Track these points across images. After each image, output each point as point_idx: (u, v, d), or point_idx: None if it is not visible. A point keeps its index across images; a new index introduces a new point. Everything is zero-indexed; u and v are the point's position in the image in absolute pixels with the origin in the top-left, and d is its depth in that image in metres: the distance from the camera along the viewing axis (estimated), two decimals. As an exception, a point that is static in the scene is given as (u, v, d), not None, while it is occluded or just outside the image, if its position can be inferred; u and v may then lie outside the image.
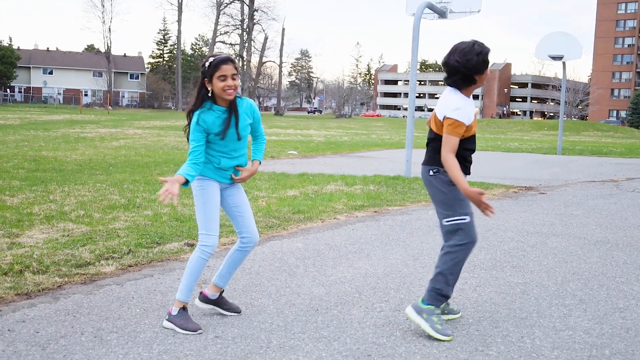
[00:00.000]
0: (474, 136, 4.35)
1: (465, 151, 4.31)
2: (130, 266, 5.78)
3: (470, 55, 4.19)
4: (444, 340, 4.10)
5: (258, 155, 4.53)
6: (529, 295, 5.20)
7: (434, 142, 4.36)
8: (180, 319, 4.20)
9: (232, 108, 4.27)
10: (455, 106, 4.18)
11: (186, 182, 4.08)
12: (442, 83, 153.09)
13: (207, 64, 4.21)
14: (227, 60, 4.20)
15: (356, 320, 4.48)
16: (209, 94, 4.24)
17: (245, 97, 4.42)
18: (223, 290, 4.57)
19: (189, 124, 4.30)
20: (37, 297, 4.81)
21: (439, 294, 4.25)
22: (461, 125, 4.14)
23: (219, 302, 4.56)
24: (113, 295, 4.91)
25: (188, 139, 4.28)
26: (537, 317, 4.64)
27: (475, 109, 4.38)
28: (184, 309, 4.25)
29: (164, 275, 5.51)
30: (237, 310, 4.56)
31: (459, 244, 4.25)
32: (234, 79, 4.17)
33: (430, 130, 4.41)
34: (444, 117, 4.21)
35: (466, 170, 4.35)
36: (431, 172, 4.34)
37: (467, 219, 4.27)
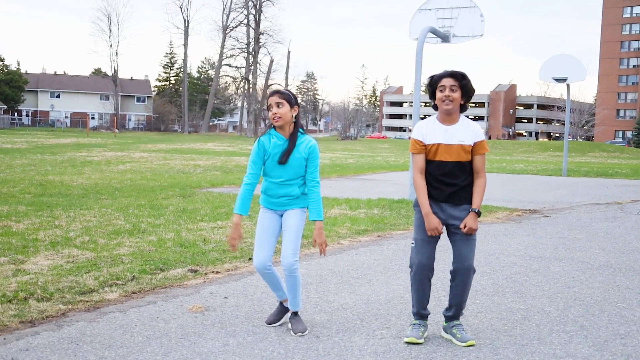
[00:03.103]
0: (439, 162, 4.62)
1: (429, 175, 4.68)
2: (133, 293, 5.82)
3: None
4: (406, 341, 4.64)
5: (313, 213, 4.80)
6: (530, 321, 5.22)
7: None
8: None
9: (290, 139, 4.76)
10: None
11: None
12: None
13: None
14: (273, 92, 4.79)
15: (357, 348, 4.50)
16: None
17: (308, 136, 4.88)
18: (288, 309, 5.06)
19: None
20: (41, 325, 4.85)
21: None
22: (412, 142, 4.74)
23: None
24: (116, 323, 4.95)
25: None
26: (538, 343, 4.66)
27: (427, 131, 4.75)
28: (279, 304, 5.09)
29: (167, 303, 5.54)
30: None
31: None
32: (278, 107, 4.69)
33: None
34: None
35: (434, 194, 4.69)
36: None
37: (413, 243, 4.73)
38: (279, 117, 4.68)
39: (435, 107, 4.73)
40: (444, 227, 4.67)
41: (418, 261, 4.69)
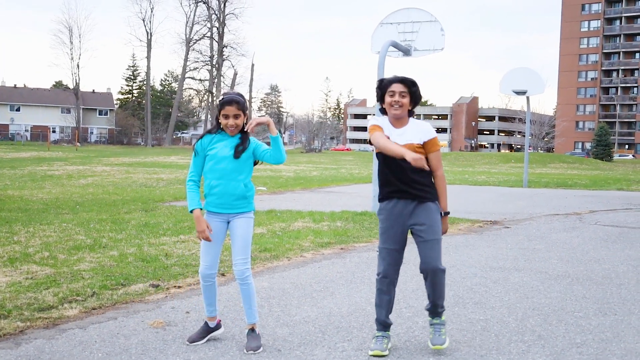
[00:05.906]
0: (398, 162, 4.61)
1: (391, 174, 4.74)
2: (94, 309, 5.76)
3: None
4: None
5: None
6: (490, 332, 5.29)
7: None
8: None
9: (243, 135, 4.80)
10: None
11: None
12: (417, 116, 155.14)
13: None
14: (231, 101, 4.69)
15: (318, 361, 4.52)
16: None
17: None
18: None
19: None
20: (-2, 343, 4.77)
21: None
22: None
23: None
24: (75, 340, 4.89)
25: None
26: (497, 354, 4.73)
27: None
28: (204, 323, 5.01)
29: (128, 318, 5.50)
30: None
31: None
32: (236, 119, 4.68)
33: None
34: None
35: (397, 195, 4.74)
36: None
37: (378, 251, 4.84)
38: (234, 128, 4.73)
39: (383, 111, 4.79)
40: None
41: (384, 268, 4.77)
